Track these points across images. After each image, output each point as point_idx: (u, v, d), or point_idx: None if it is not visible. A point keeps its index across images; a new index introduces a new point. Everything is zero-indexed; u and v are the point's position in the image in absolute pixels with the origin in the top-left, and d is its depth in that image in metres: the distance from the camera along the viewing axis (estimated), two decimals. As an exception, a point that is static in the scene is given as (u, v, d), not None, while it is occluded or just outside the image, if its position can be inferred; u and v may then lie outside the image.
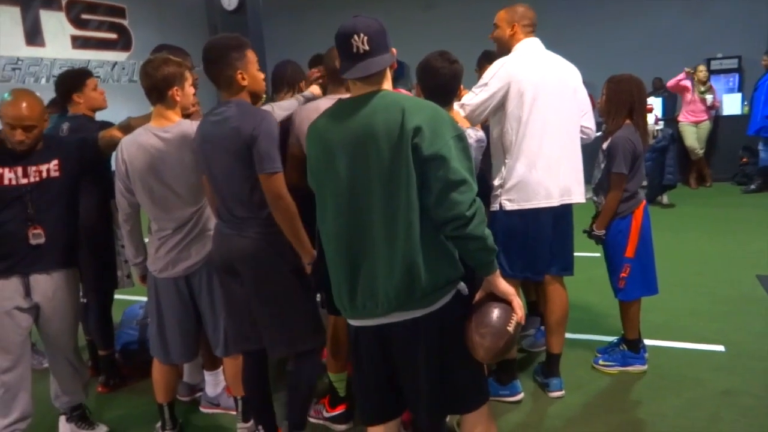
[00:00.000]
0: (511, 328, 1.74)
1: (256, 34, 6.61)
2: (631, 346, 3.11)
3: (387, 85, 1.73)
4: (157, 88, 2.34)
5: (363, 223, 1.68)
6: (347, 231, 1.71)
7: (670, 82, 8.01)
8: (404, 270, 1.65)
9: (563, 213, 2.75)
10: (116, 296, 3.35)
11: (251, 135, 2.13)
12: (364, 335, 1.80)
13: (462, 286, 1.81)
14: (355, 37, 1.64)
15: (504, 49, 2.80)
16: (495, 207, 2.71)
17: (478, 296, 1.82)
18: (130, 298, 4.10)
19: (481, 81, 2.69)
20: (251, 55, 2.27)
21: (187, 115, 2.53)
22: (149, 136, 2.38)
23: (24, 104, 2.38)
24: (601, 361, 3.15)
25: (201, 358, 2.93)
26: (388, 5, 11.55)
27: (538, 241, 2.73)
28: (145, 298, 2.76)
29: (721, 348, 3.32)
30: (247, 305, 2.33)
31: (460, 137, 1.67)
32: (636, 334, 3.10)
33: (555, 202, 2.68)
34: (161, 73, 2.32)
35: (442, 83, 2.41)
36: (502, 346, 1.73)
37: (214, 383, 2.98)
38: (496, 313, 1.75)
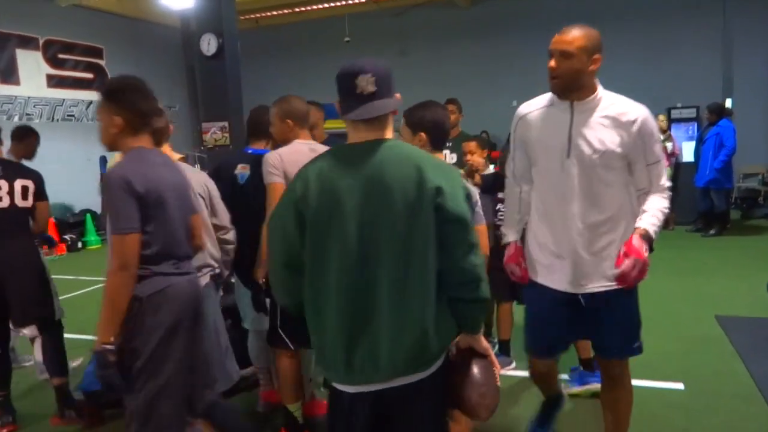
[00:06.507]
0: (499, 383, 1.74)
1: (234, 79, 6.69)
2: (586, 365, 3.22)
3: (390, 132, 1.62)
4: None
5: (369, 283, 1.53)
6: (352, 289, 1.54)
7: None
8: (417, 334, 1.53)
9: None
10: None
11: None
12: (360, 403, 1.61)
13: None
14: (361, 76, 1.53)
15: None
16: None
17: (456, 353, 1.75)
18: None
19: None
20: None
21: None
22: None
23: None
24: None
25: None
26: (364, 50, 11.87)
27: None
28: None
29: (680, 386, 3.41)
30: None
31: (469, 196, 1.62)
32: (589, 353, 3.17)
33: None
34: None
35: (446, 129, 2.43)
36: (498, 401, 1.73)
37: None
38: (484, 370, 1.71)
